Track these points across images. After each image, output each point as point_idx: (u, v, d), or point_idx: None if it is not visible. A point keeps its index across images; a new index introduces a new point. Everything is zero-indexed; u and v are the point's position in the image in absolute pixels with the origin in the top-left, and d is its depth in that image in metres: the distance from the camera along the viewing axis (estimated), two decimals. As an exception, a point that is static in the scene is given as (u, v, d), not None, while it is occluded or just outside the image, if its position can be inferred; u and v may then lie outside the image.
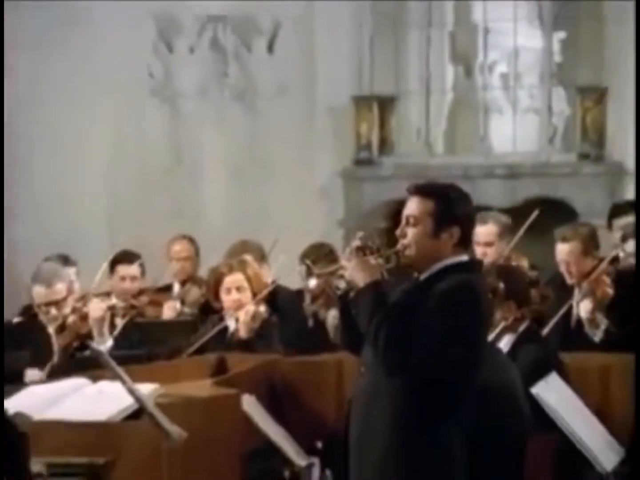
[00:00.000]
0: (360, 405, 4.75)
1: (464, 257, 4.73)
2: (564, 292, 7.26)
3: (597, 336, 7.06)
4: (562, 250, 7.28)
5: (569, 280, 7.26)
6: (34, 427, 5.32)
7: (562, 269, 7.32)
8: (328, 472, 7.10)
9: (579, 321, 7.16)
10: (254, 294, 7.29)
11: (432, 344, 4.53)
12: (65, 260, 7.73)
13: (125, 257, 8.15)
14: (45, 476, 5.19)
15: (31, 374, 6.86)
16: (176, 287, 8.30)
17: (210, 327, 7.31)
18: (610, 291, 7.10)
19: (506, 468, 5.06)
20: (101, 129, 10.97)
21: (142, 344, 7.26)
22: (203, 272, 8.30)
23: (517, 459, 5.19)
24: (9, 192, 10.92)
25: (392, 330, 4.57)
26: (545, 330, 6.91)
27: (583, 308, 7.07)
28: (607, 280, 7.16)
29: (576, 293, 7.21)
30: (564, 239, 7.31)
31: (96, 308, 7.20)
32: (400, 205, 4.85)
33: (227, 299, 7.27)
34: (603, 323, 7.02)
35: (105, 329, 7.22)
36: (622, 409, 6.31)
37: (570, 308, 7.21)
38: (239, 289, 7.27)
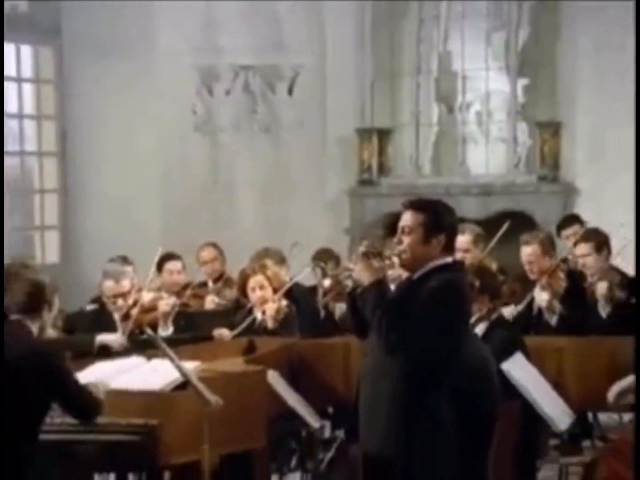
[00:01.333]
0: (367, 381, 4.78)
1: (449, 259, 4.75)
2: (527, 286, 7.27)
3: (554, 320, 7.09)
4: (525, 251, 7.34)
5: (531, 276, 7.26)
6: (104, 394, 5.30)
7: (526, 267, 7.33)
8: (337, 432, 7.09)
9: (540, 310, 7.16)
10: (274, 290, 7.35)
11: (425, 330, 4.56)
12: (125, 260, 7.72)
13: (171, 255, 8.23)
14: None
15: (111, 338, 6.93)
16: (210, 284, 8.29)
17: (240, 318, 7.33)
18: (563, 284, 7.12)
19: (482, 427, 5.04)
20: (156, 155, 10.95)
21: (188, 329, 7.26)
22: (237, 271, 8.27)
23: (490, 420, 5.18)
24: (84, 207, 10.99)
25: (393, 319, 4.60)
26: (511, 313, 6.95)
27: (542, 298, 7.10)
28: (562, 275, 7.17)
29: (537, 286, 7.21)
30: (527, 243, 7.38)
31: (164, 304, 7.21)
32: (396, 217, 4.88)
33: (253, 295, 7.33)
34: (558, 309, 7.04)
35: (170, 321, 7.22)
36: (573, 381, 6.31)
37: (532, 299, 7.22)
38: (261, 287, 7.34)
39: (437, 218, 4.73)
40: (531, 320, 7.20)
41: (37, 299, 5.21)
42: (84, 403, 5.15)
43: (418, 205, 4.79)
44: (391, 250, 4.77)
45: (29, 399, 5.06)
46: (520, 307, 7.11)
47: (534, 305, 7.20)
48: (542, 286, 7.17)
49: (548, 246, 7.41)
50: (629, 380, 5.43)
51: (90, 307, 7.43)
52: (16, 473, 4.97)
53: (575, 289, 7.25)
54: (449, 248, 4.76)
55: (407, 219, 4.72)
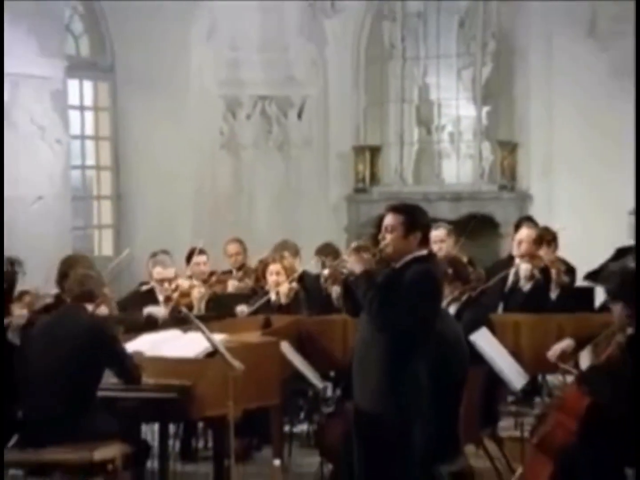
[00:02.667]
0: (359, 351, 4.77)
1: (424, 252, 4.73)
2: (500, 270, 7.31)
3: (526, 288, 7.10)
4: (523, 232, 7.45)
5: (516, 253, 7.36)
6: (147, 361, 5.37)
7: (515, 245, 7.44)
8: (337, 391, 7.08)
9: (511, 288, 7.18)
10: (287, 276, 7.34)
11: (406, 310, 4.54)
12: (165, 253, 7.75)
13: (201, 251, 8.13)
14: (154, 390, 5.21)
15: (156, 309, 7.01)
16: (233, 272, 8.27)
17: (258, 299, 7.33)
18: (541, 263, 7.18)
19: (454, 387, 5.09)
20: (190, 168, 10.93)
21: (215, 308, 7.26)
22: (254, 262, 8.27)
23: (460, 381, 5.21)
24: (132, 210, 10.99)
25: (380, 302, 4.57)
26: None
27: (525, 267, 7.17)
28: (540, 254, 7.22)
29: (517, 262, 7.32)
30: (528, 227, 7.56)
31: (197, 292, 7.30)
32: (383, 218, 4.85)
33: (270, 279, 7.36)
34: (536, 277, 7.13)
35: (202, 304, 7.23)
36: (527, 350, 6.32)
37: (505, 279, 7.24)
38: (277, 273, 7.36)
39: (414, 218, 4.72)
40: (503, 296, 7.26)
41: (90, 287, 5.26)
42: (130, 371, 5.17)
43: (398, 208, 4.78)
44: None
45: (87, 366, 5.09)
46: (490, 283, 7.13)
47: (507, 284, 7.25)
48: (526, 261, 7.23)
49: (538, 237, 7.44)
50: (566, 342, 5.43)
51: (144, 287, 7.43)
52: (83, 423, 5.01)
53: (545, 277, 7.30)
54: (424, 243, 4.74)
55: (389, 219, 4.71)
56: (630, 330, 5.13)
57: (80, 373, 5.05)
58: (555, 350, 5.47)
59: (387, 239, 4.68)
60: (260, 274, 7.70)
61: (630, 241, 7.49)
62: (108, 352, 5.14)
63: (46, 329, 5.28)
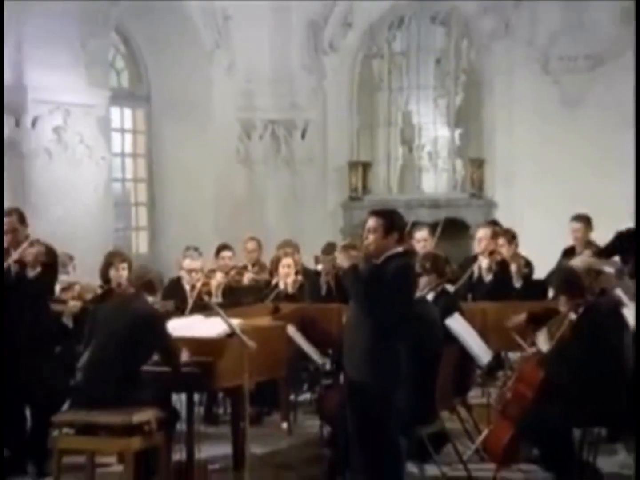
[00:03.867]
0: (349, 332, 4.75)
1: (401, 249, 4.69)
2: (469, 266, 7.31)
3: (488, 278, 7.10)
4: (480, 231, 7.50)
5: (477, 250, 7.39)
6: (176, 341, 5.34)
7: (476, 242, 7.47)
8: (334, 366, 7.08)
9: (477, 279, 7.18)
10: (295, 270, 7.35)
11: (387, 298, 4.51)
12: (195, 249, 7.75)
13: (225, 246, 8.16)
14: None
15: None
16: (249, 267, 8.26)
17: (270, 290, 7.33)
18: (499, 257, 7.24)
19: (431, 363, 5.10)
20: (212, 180, 10.87)
21: (231, 298, 7.22)
22: (266, 259, 8.26)
23: (436, 358, 5.21)
24: (164, 215, 10.92)
25: (365, 292, 4.55)
26: (457, 286, 6.96)
27: (485, 262, 7.18)
28: (499, 254, 7.26)
29: (480, 258, 7.33)
30: (484, 227, 7.62)
31: (215, 281, 7.25)
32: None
33: (282, 271, 7.42)
34: (493, 269, 7.15)
35: (219, 292, 7.22)
36: (492, 331, 6.30)
37: (472, 273, 7.23)
38: (288, 266, 7.38)
39: (392, 221, 4.68)
40: (471, 287, 7.26)
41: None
42: (172, 356, 5.17)
43: (378, 212, 4.76)
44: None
45: (141, 346, 5.09)
46: (460, 282, 7.13)
47: (473, 277, 7.26)
48: (485, 256, 7.25)
49: (495, 235, 7.44)
50: (521, 316, 5.39)
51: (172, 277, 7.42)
52: (125, 392, 5.01)
53: (502, 268, 7.30)
54: (401, 241, 4.71)
55: (371, 222, 4.67)
56: (574, 316, 5.15)
57: (134, 352, 5.04)
58: (511, 321, 5.47)
59: (370, 239, 4.65)
60: (273, 268, 7.70)
61: (570, 241, 7.49)
62: (160, 337, 5.13)
63: (110, 312, 5.28)
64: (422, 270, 5.75)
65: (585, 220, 7.44)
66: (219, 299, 7.02)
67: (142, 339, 5.03)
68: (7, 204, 7.76)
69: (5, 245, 5.59)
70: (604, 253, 6.81)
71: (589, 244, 7.22)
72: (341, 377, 5.54)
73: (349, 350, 4.70)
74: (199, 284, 7.12)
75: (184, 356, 5.16)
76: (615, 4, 10.11)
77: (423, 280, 5.77)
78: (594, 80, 10.29)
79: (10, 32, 8.60)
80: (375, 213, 4.73)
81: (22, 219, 5.69)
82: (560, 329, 5.16)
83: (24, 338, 5.51)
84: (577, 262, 5.87)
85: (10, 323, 5.50)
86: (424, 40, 11.31)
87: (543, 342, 5.23)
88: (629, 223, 7.04)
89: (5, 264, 5.51)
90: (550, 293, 6.59)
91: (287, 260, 7.45)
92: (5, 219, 5.64)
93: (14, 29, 8.63)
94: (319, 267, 7.22)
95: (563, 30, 10.41)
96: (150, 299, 5.20)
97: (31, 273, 5.51)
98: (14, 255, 5.51)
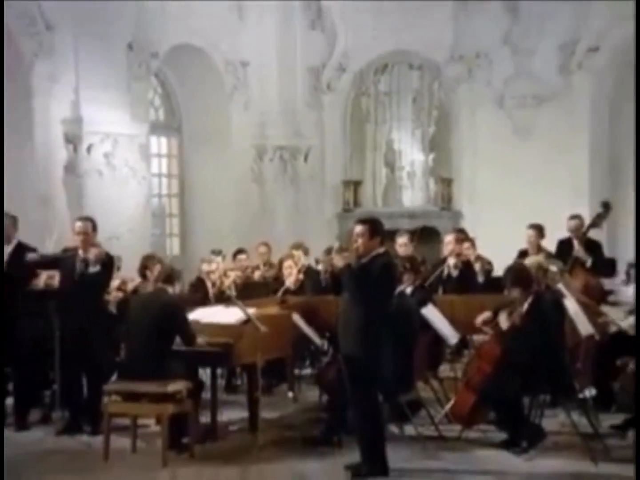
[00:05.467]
0: (343, 316, 4.74)
1: (382, 250, 4.67)
2: (440, 265, 7.29)
3: (454, 274, 7.09)
4: (448, 238, 7.46)
5: (446, 253, 7.35)
6: (203, 325, 5.35)
7: (444, 247, 7.46)
8: (331, 346, 7.06)
9: (448, 276, 7.13)
10: (298, 269, 7.31)
11: (373, 291, 4.50)
12: (219, 252, 7.74)
13: (241, 250, 8.12)
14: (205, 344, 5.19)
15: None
16: (261, 266, 8.20)
17: (278, 285, 7.31)
18: (464, 258, 7.22)
19: (408, 344, 5.07)
20: (231, 196, 10.82)
21: (245, 291, 7.20)
22: (275, 260, 8.24)
23: (413, 340, 5.20)
24: (193, 224, 10.91)
25: (355, 286, 4.53)
26: (428, 282, 6.91)
27: (453, 262, 7.15)
28: (463, 256, 7.23)
29: (449, 259, 7.29)
30: (450, 234, 7.55)
31: (230, 279, 7.23)
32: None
33: (286, 272, 7.30)
34: (459, 267, 7.12)
35: (233, 287, 7.22)
36: (460, 318, 6.17)
37: (442, 271, 7.20)
38: (290, 267, 7.32)
39: (375, 227, 4.68)
40: (442, 282, 7.21)
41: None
42: (189, 337, 5.17)
43: (364, 220, 4.76)
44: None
45: (166, 329, 5.10)
46: (432, 277, 7.11)
47: (443, 274, 7.24)
48: (452, 257, 7.23)
49: (460, 240, 7.44)
50: (486, 313, 5.41)
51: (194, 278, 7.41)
52: (161, 367, 5.01)
53: (467, 267, 7.30)
54: (382, 243, 4.71)
55: (359, 228, 4.67)
56: (526, 305, 5.15)
57: (162, 334, 5.06)
58: (479, 318, 5.48)
59: (359, 242, 4.64)
60: (279, 268, 7.71)
61: (524, 245, 7.50)
62: (179, 322, 5.15)
63: (143, 302, 5.30)
64: (403, 269, 5.74)
65: (538, 229, 7.41)
66: (233, 293, 7.01)
67: (166, 324, 5.05)
68: (68, 215, 7.85)
69: (78, 244, 5.63)
70: (550, 256, 6.82)
71: (539, 248, 7.21)
72: (338, 356, 5.52)
73: (343, 331, 4.68)
74: (218, 281, 7.16)
75: (200, 339, 5.15)
76: (553, 57, 10.20)
77: (405, 277, 5.78)
78: (539, 115, 10.33)
79: (70, 77, 8.69)
80: (362, 221, 4.72)
81: (94, 227, 5.72)
82: (513, 315, 5.16)
83: (84, 322, 5.52)
84: (530, 261, 5.87)
85: (72, 308, 5.52)
86: (403, 83, 11.30)
87: (504, 321, 5.21)
88: (566, 233, 7.11)
89: (77, 261, 5.57)
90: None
91: (288, 263, 7.44)
92: (80, 224, 5.68)
93: (74, 75, 8.71)
94: (320, 266, 7.22)
95: (514, 75, 10.47)
96: (169, 289, 5.21)
97: (92, 269, 5.53)
98: (82, 254, 5.55)
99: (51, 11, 8.37)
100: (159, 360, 4.98)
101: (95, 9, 8.61)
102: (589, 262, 6.76)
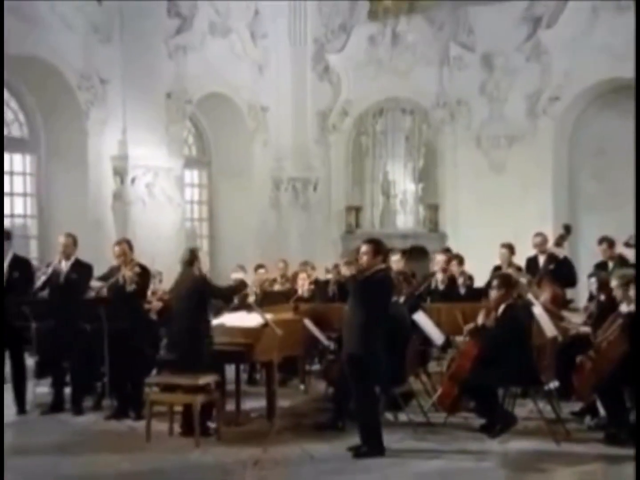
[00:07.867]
0: (347, 320, 4.75)
1: (383, 266, 4.70)
2: (428, 279, 7.27)
3: (441, 287, 7.07)
4: (438, 257, 7.37)
5: (435, 269, 7.26)
6: (228, 328, 5.37)
7: (435, 264, 7.36)
8: (336, 346, 7.05)
9: (434, 288, 7.12)
10: (309, 281, 7.33)
11: (374, 300, 4.52)
12: (242, 268, 7.75)
13: (260, 266, 8.12)
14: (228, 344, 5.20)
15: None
16: (278, 279, 8.22)
17: (292, 295, 7.34)
18: (450, 272, 7.13)
19: (402, 344, 5.04)
20: (250, 217, 10.83)
21: (264, 300, 7.19)
22: (290, 273, 8.27)
23: (406, 341, 5.19)
24: (218, 231, 10.89)
25: (360, 294, 4.56)
26: (419, 292, 6.91)
27: (441, 277, 7.10)
28: (450, 268, 7.16)
29: (437, 274, 7.23)
30: (440, 254, 7.47)
31: (249, 289, 7.21)
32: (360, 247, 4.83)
33: (300, 283, 7.32)
34: (446, 282, 7.05)
35: (252, 295, 7.24)
36: (445, 322, 6.20)
37: (430, 284, 7.17)
38: (303, 279, 7.33)
39: (378, 247, 4.71)
40: (431, 292, 7.17)
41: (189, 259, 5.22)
42: (225, 294, 5.22)
43: (370, 241, 4.79)
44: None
45: (198, 300, 5.03)
46: (422, 288, 7.08)
47: (431, 285, 7.23)
48: (440, 272, 7.19)
49: (451, 259, 7.40)
50: (471, 324, 5.41)
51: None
52: (193, 363, 5.01)
53: (451, 281, 7.31)
54: (384, 260, 4.76)
55: (364, 247, 4.70)
56: (500, 310, 5.17)
57: (195, 305, 4.98)
58: (467, 328, 5.45)
59: (364, 259, 4.68)
60: (293, 280, 7.75)
61: (498, 262, 7.46)
62: (207, 288, 5.14)
63: (179, 284, 5.28)
64: (397, 282, 5.77)
65: (509, 247, 7.43)
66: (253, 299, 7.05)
67: (195, 294, 5.02)
68: (116, 237, 7.94)
69: (119, 263, 5.72)
70: (520, 270, 6.84)
71: (510, 263, 7.24)
72: (342, 354, 5.52)
73: (347, 332, 4.69)
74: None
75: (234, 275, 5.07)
76: (522, 104, 10.27)
77: (399, 288, 5.83)
78: (510, 153, 10.38)
79: (118, 121, 8.89)
80: (367, 241, 4.73)
81: (130, 247, 5.80)
82: (490, 316, 5.19)
83: (128, 325, 5.59)
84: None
85: (118, 314, 5.60)
86: (396, 124, 11.34)
87: (481, 317, 5.26)
88: (533, 251, 7.13)
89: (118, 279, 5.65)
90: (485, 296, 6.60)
91: (302, 275, 7.50)
92: (117, 248, 5.78)
93: (121, 120, 8.90)
94: (329, 275, 7.23)
95: (489, 119, 10.55)
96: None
97: (129, 288, 5.61)
98: (120, 274, 5.65)
99: (104, 68, 8.72)
100: (191, 358, 5.02)
101: (140, 66, 8.94)
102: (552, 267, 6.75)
